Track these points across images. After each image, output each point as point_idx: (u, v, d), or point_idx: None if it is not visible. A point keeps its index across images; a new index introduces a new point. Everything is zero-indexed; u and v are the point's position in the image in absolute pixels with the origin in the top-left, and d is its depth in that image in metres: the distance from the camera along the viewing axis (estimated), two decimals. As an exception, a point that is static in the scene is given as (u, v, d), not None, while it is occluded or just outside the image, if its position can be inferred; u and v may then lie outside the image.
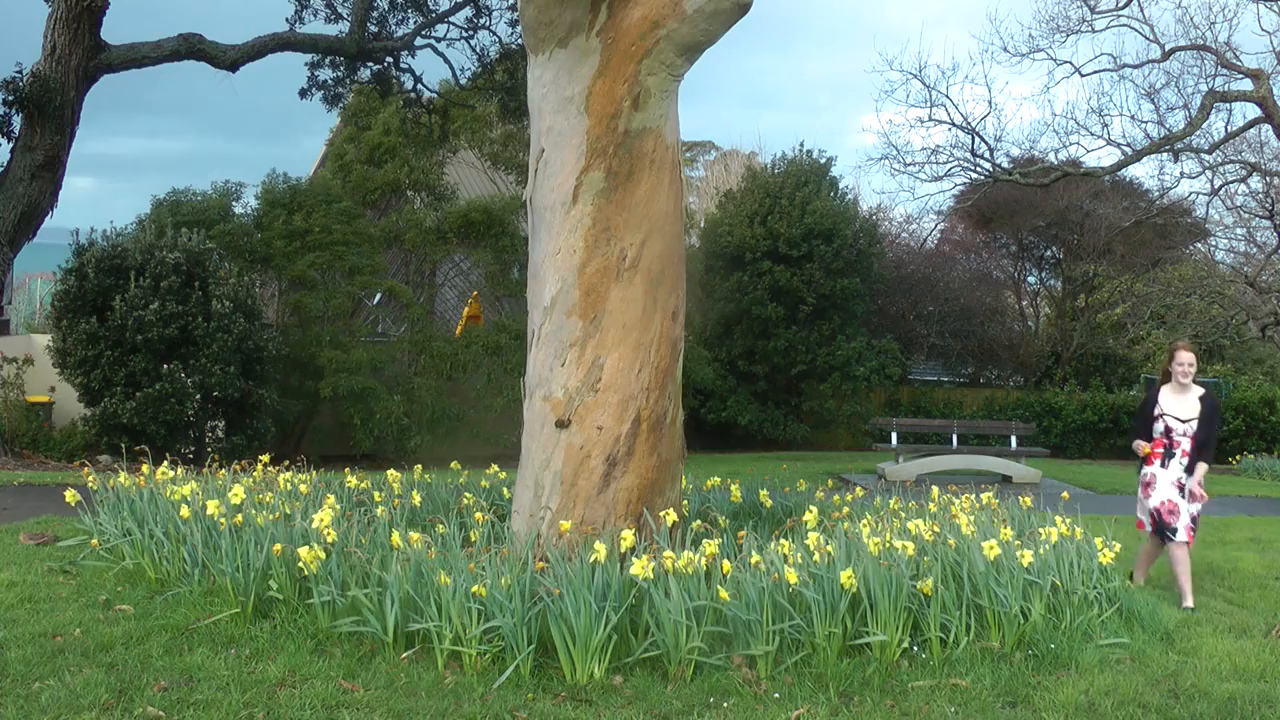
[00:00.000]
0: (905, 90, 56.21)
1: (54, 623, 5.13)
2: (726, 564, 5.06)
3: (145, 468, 7.38)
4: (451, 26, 16.76)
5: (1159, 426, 6.85)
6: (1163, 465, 6.82)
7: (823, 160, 22.65)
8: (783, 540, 5.54)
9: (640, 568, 4.76)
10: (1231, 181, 22.23)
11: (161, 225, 14.92)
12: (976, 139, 19.52)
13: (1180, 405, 6.87)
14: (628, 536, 5.19)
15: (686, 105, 65.65)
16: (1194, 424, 6.78)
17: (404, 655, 4.77)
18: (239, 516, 5.82)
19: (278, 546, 5.32)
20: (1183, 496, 6.72)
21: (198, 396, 13.82)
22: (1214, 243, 26.34)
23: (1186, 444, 6.76)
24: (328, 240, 17.16)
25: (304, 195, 17.78)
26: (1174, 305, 23.46)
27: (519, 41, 15.96)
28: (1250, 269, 23.62)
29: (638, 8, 5.79)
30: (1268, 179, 21.58)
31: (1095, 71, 19.79)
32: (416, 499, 6.79)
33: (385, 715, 4.15)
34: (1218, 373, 25.13)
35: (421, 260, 19.87)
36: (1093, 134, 43.11)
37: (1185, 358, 6.89)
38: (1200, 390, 6.92)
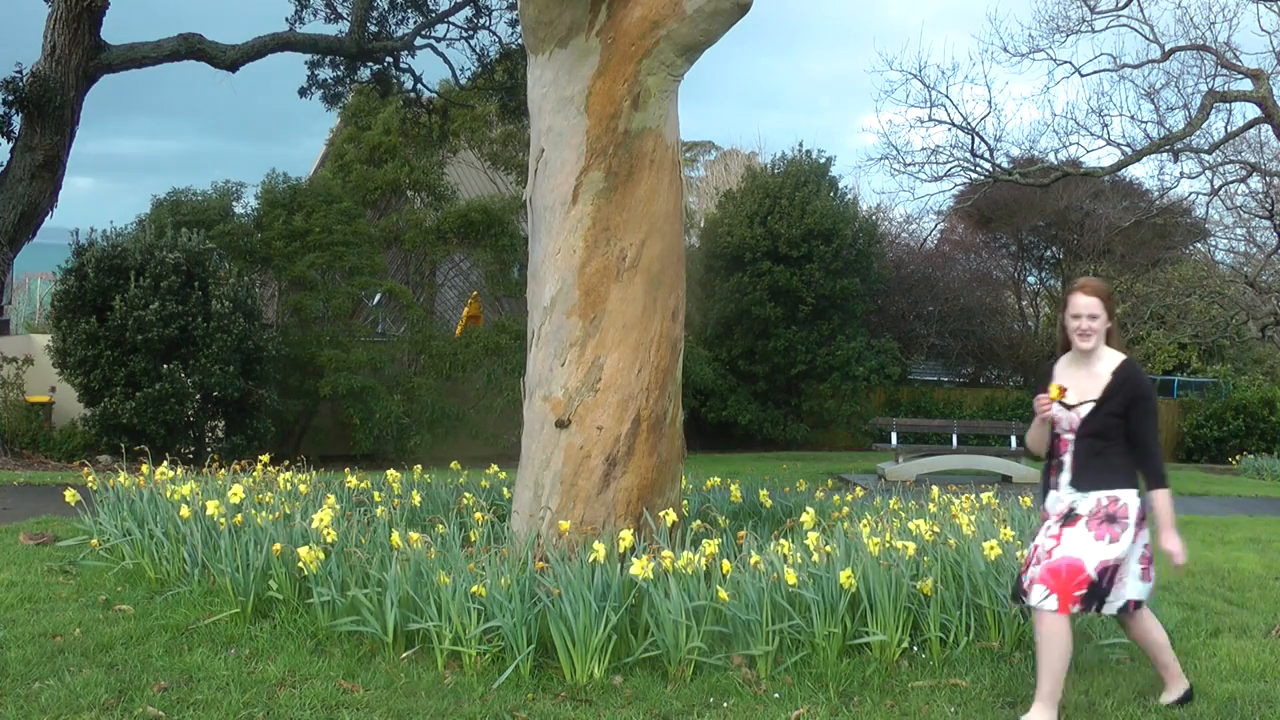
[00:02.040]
0: (905, 90, 56.34)
1: (54, 623, 5.13)
2: (726, 564, 5.06)
3: (145, 468, 7.38)
4: (451, 26, 16.78)
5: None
6: (1051, 484, 4.23)
7: (822, 160, 22.65)
8: (782, 540, 5.54)
9: (640, 568, 4.75)
10: (1231, 181, 22.26)
11: (161, 225, 14.91)
12: (976, 139, 19.55)
13: (1075, 383, 4.19)
14: (627, 536, 5.19)
15: (686, 105, 65.67)
16: (1084, 411, 4.11)
17: (404, 655, 4.77)
18: (239, 516, 5.82)
19: (277, 546, 5.33)
20: (1062, 529, 4.07)
21: (198, 396, 13.81)
22: (1214, 243, 26.42)
23: (1075, 445, 4.14)
24: (328, 240, 17.16)
25: (304, 195, 17.79)
26: (1174, 305, 23.46)
27: (519, 41, 15.95)
28: (1250, 269, 23.63)
29: (638, 8, 5.79)
30: (1268, 179, 21.60)
31: (1095, 71, 19.81)
32: (416, 499, 6.79)
33: (385, 715, 4.15)
34: (1217, 373, 25.16)
35: (421, 260, 19.87)
36: (1093, 134, 43.25)
37: (1081, 303, 4.10)
38: (1115, 359, 4.14)
